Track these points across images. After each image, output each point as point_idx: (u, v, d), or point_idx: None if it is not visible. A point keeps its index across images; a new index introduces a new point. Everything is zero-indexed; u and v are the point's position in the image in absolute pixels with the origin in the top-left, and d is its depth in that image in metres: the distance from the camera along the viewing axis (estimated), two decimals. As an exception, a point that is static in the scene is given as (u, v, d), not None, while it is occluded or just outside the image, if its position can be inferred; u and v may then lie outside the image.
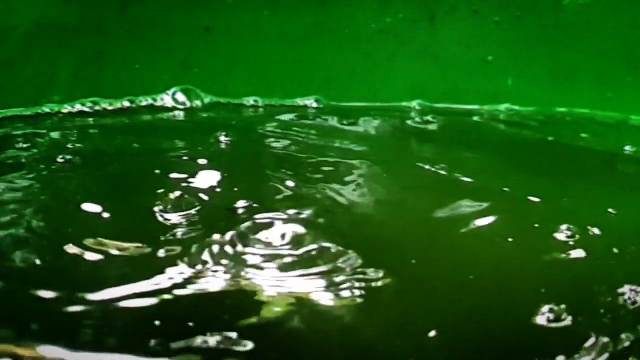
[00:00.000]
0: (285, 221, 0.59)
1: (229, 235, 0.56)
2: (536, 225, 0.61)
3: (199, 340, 0.45)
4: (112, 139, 0.79)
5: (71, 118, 0.83)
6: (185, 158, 0.73)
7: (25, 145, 0.73)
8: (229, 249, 0.55)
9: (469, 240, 0.59)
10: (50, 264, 0.53)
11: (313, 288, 0.51)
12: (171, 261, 0.53)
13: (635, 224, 0.63)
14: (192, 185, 0.65)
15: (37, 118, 0.82)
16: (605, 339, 0.47)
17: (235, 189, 0.64)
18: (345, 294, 0.51)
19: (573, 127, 0.86)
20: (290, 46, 0.88)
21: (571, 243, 0.58)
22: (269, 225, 0.58)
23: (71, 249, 0.54)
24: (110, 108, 0.84)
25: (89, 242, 0.55)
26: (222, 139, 0.76)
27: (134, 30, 0.85)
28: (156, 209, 0.60)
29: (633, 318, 0.50)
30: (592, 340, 0.47)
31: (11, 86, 0.83)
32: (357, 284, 0.52)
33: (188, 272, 0.52)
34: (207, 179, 0.66)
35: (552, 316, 0.49)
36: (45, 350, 0.44)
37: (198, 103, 0.86)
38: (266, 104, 0.88)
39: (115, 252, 0.54)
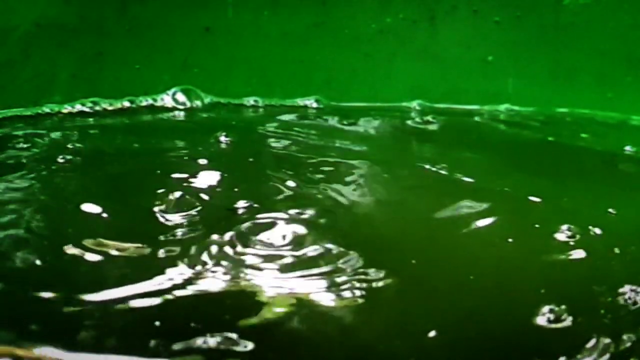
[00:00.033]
0: (286, 221, 0.59)
1: (229, 236, 0.56)
2: (536, 225, 0.61)
3: (199, 341, 0.45)
4: (112, 139, 0.79)
5: (71, 118, 0.83)
6: (185, 158, 0.73)
7: (25, 145, 0.73)
8: (229, 249, 0.55)
9: (469, 240, 0.59)
10: (50, 264, 0.53)
11: (313, 288, 0.51)
12: (171, 261, 0.53)
13: (635, 224, 0.63)
14: (192, 185, 0.65)
15: (37, 118, 0.82)
16: (606, 339, 0.47)
17: (235, 189, 0.64)
18: (345, 293, 0.51)
19: (573, 127, 0.86)
20: (290, 46, 0.88)
21: (571, 243, 0.58)
22: (269, 225, 0.58)
23: (71, 249, 0.54)
24: (110, 108, 0.85)
25: (88, 242, 0.55)
26: (222, 139, 0.76)
27: (134, 30, 0.85)
28: (156, 209, 0.60)
29: (633, 318, 0.50)
30: (592, 341, 0.47)
31: (11, 86, 0.83)
32: (357, 284, 0.51)
33: (188, 272, 0.52)
34: (207, 179, 0.66)
35: (552, 316, 0.49)
36: (45, 350, 0.44)
37: (198, 103, 0.86)
38: (266, 104, 0.88)
39: (115, 252, 0.54)
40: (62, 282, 0.51)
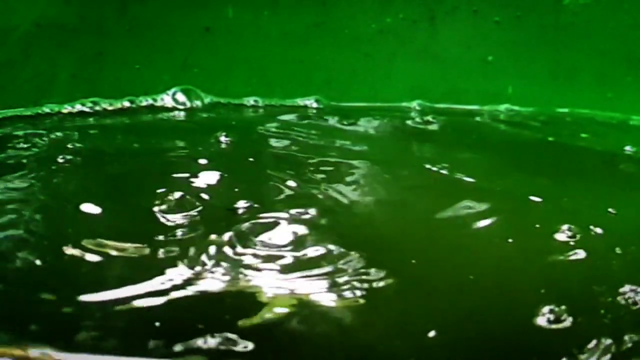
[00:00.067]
0: (286, 221, 0.59)
1: (229, 236, 0.56)
2: (536, 225, 0.61)
3: (199, 341, 0.45)
4: (112, 139, 0.79)
5: (71, 118, 0.83)
6: (185, 158, 0.73)
7: (25, 145, 0.73)
8: (229, 249, 0.55)
9: (469, 240, 0.59)
10: (50, 265, 0.53)
11: (313, 288, 0.51)
12: (171, 261, 0.53)
13: (635, 224, 0.63)
14: (192, 185, 0.65)
15: (37, 118, 0.82)
16: (606, 340, 0.47)
17: (235, 189, 0.64)
18: (345, 294, 0.51)
19: (573, 127, 0.86)
20: (290, 46, 0.88)
21: (571, 243, 0.58)
22: (269, 226, 0.58)
23: (71, 249, 0.54)
24: (110, 108, 0.84)
25: (88, 242, 0.55)
26: (222, 139, 0.76)
27: (134, 30, 0.85)
28: (156, 209, 0.60)
29: (634, 318, 0.50)
30: (593, 341, 0.47)
31: (11, 86, 0.83)
32: (357, 284, 0.51)
33: (188, 272, 0.52)
34: (207, 179, 0.66)
35: (552, 316, 0.49)
36: (44, 351, 0.44)
37: (198, 103, 0.86)
38: (266, 104, 0.88)
39: (114, 252, 0.54)
40: (62, 283, 0.51)
